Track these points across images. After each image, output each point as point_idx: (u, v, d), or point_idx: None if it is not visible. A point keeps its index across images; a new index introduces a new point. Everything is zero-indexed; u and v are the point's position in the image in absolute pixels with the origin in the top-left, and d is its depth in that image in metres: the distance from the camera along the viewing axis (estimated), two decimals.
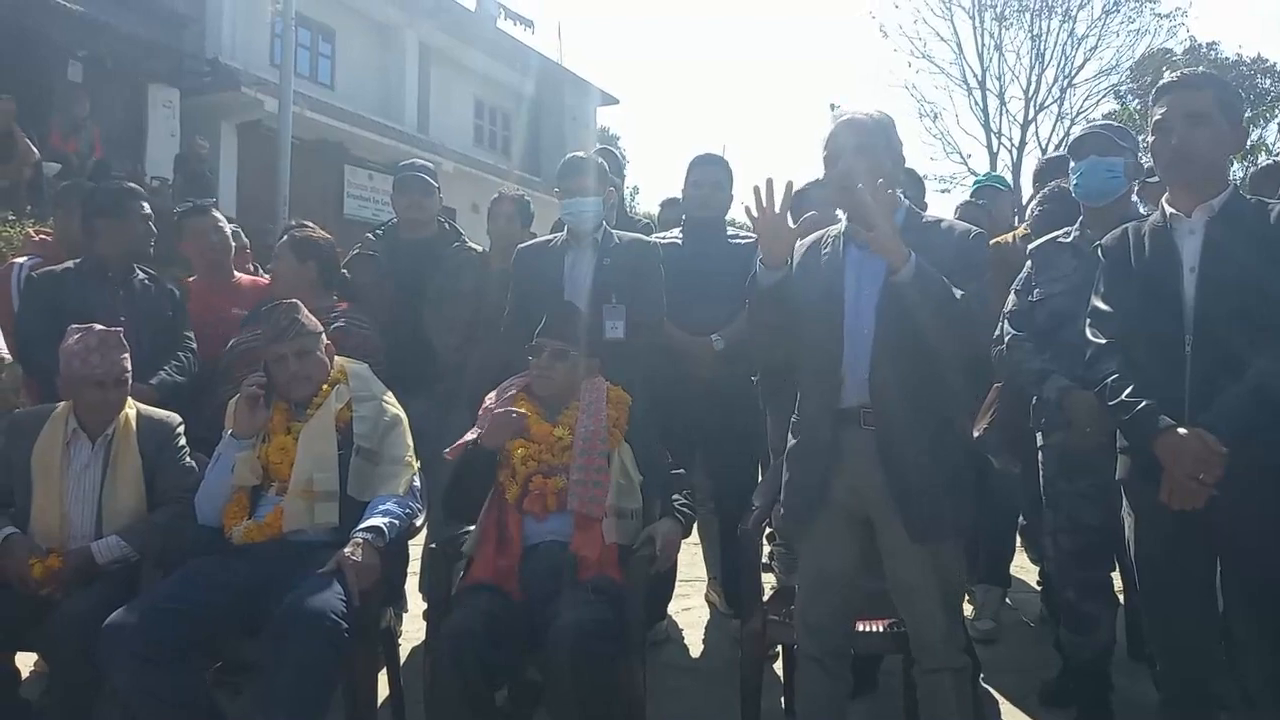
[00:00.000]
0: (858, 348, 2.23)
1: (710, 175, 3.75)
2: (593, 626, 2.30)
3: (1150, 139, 2.22)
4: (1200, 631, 2.16)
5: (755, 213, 2.22)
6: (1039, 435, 2.92)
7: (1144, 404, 2.05)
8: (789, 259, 2.27)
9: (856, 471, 2.24)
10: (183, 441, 2.91)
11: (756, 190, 2.20)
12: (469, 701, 2.28)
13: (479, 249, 3.92)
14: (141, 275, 3.43)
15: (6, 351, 3.42)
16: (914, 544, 2.19)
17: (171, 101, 11.82)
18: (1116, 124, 3.17)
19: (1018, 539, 4.08)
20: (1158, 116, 2.19)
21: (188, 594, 2.44)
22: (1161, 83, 2.25)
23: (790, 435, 2.41)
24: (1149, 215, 2.29)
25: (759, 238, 2.28)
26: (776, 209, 2.21)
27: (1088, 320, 2.29)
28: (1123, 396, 2.09)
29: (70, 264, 3.39)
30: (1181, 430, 1.99)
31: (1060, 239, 2.89)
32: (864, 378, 2.22)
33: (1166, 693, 2.26)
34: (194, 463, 2.90)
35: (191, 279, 3.83)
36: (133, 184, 3.73)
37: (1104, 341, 2.21)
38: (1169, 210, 2.19)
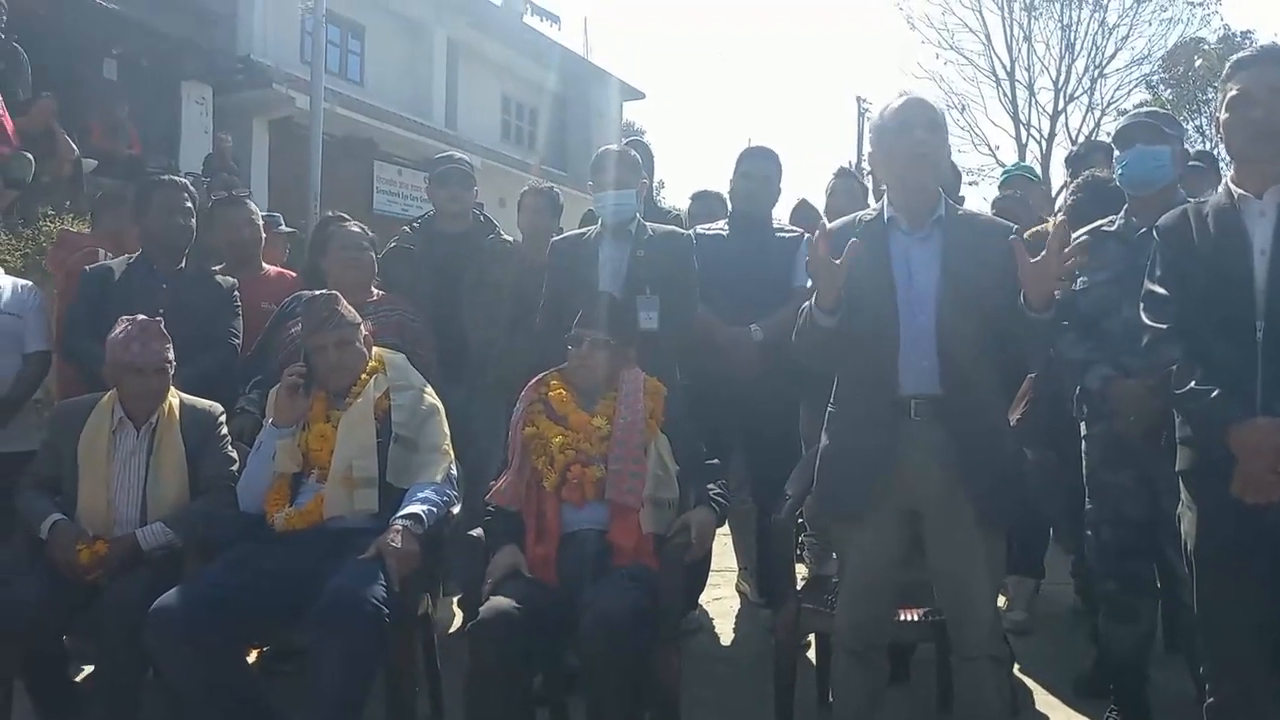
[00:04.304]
0: (915, 336, 2.21)
1: (760, 168, 3.74)
2: (628, 613, 2.32)
3: (1223, 115, 2.13)
4: (1257, 632, 2.08)
5: (815, 255, 2.15)
6: (1082, 425, 2.89)
7: (1216, 392, 1.98)
8: (841, 300, 2.19)
9: (915, 461, 2.22)
10: (225, 430, 2.95)
11: (810, 240, 2.16)
12: (507, 686, 2.32)
13: (513, 241, 3.94)
14: (191, 269, 3.50)
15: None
16: (977, 531, 2.19)
17: (205, 98, 11.93)
18: (1163, 111, 3.13)
19: (1050, 531, 4.06)
20: (1234, 92, 2.10)
21: (231, 579, 2.49)
22: (1239, 56, 2.17)
23: (830, 427, 2.40)
24: (1206, 198, 2.20)
25: (817, 281, 2.20)
26: (825, 254, 2.14)
27: (1142, 305, 2.21)
28: (1190, 385, 2.02)
29: (126, 258, 3.48)
30: (1261, 420, 1.93)
31: (1105, 227, 2.85)
32: (924, 366, 2.20)
33: (1216, 693, 2.16)
34: (235, 452, 2.95)
35: (218, 267, 3.85)
36: (173, 178, 3.78)
37: (1163, 327, 2.13)
38: (1236, 191, 2.11)
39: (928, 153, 2.24)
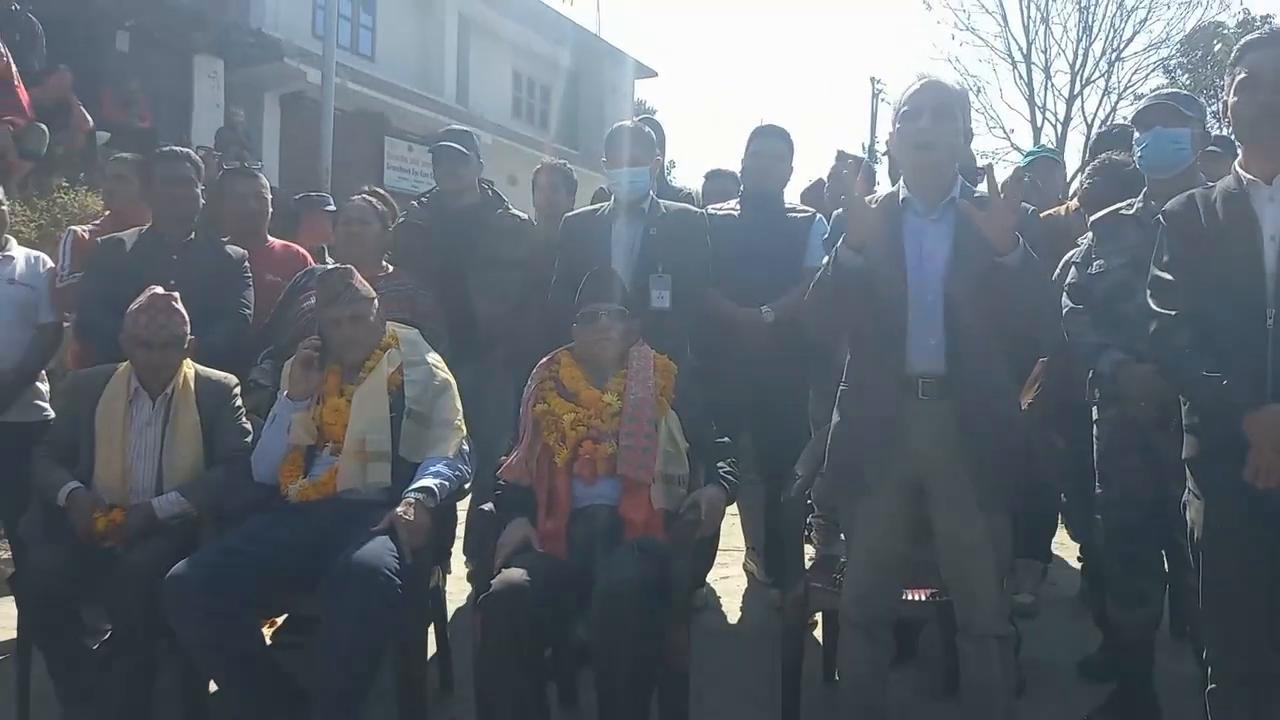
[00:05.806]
0: (923, 315, 2.23)
1: (771, 146, 3.73)
2: (638, 585, 2.33)
3: (1231, 99, 2.11)
4: (1262, 619, 2.08)
5: (850, 194, 2.18)
6: (1094, 409, 2.89)
7: (1226, 380, 1.98)
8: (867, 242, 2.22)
9: (921, 438, 2.24)
10: (239, 402, 2.98)
11: (847, 173, 2.19)
12: (519, 658, 2.33)
13: (523, 216, 3.93)
14: (200, 239, 3.51)
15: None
16: (981, 510, 2.21)
17: (216, 72, 11.94)
18: (1184, 93, 3.09)
19: (1059, 516, 4.06)
20: (1242, 75, 2.07)
21: (246, 548, 2.52)
22: (1248, 39, 2.14)
23: (841, 404, 2.41)
24: (1214, 183, 2.19)
25: (849, 219, 2.22)
26: (862, 191, 2.17)
27: (1149, 291, 2.20)
28: (1201, 372, 2.02)
29: (137, 230, 3.49)
30: (1276, 406, 1.93)
31: (1123, 210, 2.83)
32: (931, 345, 2.22)
33: (1219, 679, 2.16)
34: (249, 424, 2.97)
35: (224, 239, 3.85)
36: (175, 148, 3.77)
37: (1171, 313, 2.12)
38: (1245, 176, 2.09)
39: (931, 141, 2.24)
